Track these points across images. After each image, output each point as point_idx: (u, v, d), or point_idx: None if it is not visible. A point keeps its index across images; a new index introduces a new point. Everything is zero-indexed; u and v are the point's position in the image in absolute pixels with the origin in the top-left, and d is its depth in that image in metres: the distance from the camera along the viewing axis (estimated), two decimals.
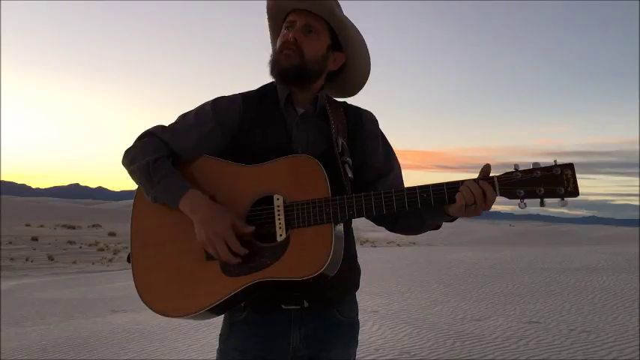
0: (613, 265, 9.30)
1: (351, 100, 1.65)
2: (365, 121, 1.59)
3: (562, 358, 4.18)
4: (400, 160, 1.64)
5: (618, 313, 5.70)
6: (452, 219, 1.41)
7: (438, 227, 1.51)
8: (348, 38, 1.54)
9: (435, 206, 1.33)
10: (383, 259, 12.62)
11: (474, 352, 4.39)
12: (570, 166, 1.26)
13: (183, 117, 1.55)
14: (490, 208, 1.31)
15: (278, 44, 1.51)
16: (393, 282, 8.51)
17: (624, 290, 6.91)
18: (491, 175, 1.32)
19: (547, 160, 1.28)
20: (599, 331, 4.94)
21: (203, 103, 1.56)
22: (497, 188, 1.29)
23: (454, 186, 1.31)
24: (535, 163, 1.28)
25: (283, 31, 1.51)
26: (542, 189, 1.26)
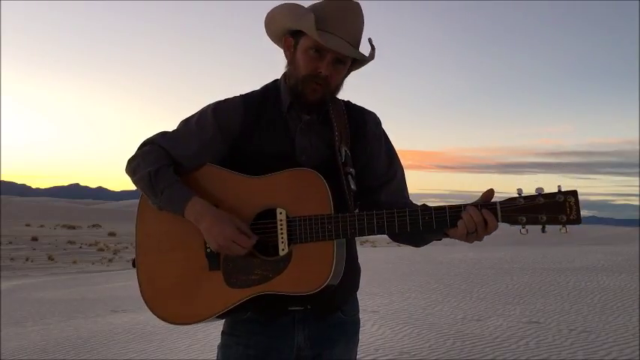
0: (613, 265, 9.28)
1: (352, 100, 1.63)
2: (368, 124, 1.57)
3: (562, 358, 4.18)
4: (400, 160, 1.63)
5: (618, 313, 5.70)
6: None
7: (439, 240, 1.51)
8: (360, 65, 1.53)
9: (436, 229, 1.33)
10: (383, 259, 12.62)
11: (474, 352, 4.38)
12: (574, 194, 1.24)
13: (185, 123, 1.54)
14: (491, 234, 1.30)
15: (306, 71, 1.42)
16: (393, 282, 8.51)
17: (624, 290, 6.90)
18: (493, 200, 1.30)
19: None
20: (599, 331, 4.94)
21: (205, 107, 1.54)
22: (499, 215, 1.28)
23: (456, 210, 1.30)
24: (539, 189, 1.27)
25: (310, 51, 1.40)
26: (544, 216, 1.25)
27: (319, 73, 1.41)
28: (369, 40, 1.49)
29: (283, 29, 1.48)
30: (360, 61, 1.50)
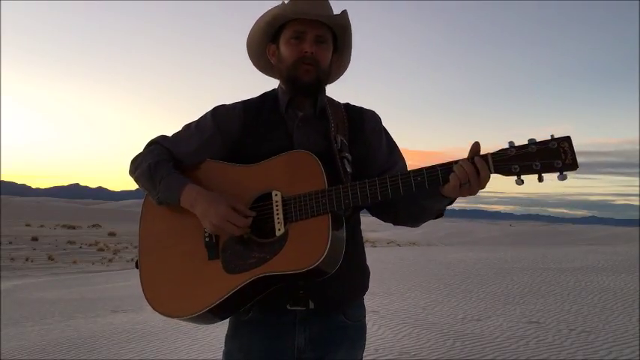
0: (613, 265, 9.29)
1: (353, 101, 1.67)
2: (366, 119, 1.60)
3: (562, 358, 4.18)
4: None
5: (618, 313, 5.70)
6: (449, 201, 1.39)
7: (440, 214, 1.49)
8: (345, 45, 1.57)
9: (429, 189, 1.31)
10: (383, 259, 12.61)
11: (474, 352, 4.38)
12: (567, 139, 1.20)
13: (187, 127, 1.60)
14: (485, 186, 1.28)
15: (293, 58, 1.48)
16: (393, 282, 8.50)
17: (624, 290, 6.90)
18: (484, 152, 1.28)
19: None
20: (599, 331, 4.94)
21: (206, 112, 1.60)
22: (491, 165, 1.26)
23: (447, 167, 1.29)
24: (531, 139, 1.24)
25: (292, 40, 1.49)
26: (538, 163, 1.21)
27: (305, 54, 1.47)
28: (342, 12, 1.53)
29: (263, 37, 1.56)
30: (343, 48, 1.57)
